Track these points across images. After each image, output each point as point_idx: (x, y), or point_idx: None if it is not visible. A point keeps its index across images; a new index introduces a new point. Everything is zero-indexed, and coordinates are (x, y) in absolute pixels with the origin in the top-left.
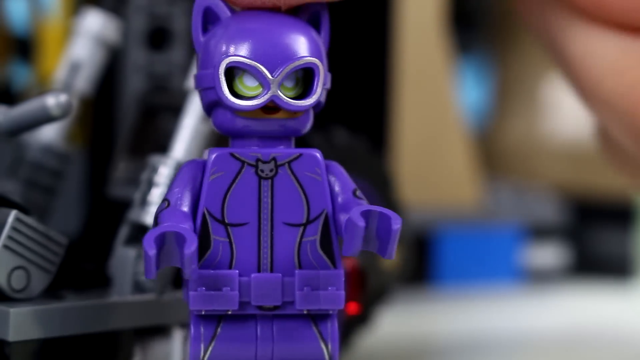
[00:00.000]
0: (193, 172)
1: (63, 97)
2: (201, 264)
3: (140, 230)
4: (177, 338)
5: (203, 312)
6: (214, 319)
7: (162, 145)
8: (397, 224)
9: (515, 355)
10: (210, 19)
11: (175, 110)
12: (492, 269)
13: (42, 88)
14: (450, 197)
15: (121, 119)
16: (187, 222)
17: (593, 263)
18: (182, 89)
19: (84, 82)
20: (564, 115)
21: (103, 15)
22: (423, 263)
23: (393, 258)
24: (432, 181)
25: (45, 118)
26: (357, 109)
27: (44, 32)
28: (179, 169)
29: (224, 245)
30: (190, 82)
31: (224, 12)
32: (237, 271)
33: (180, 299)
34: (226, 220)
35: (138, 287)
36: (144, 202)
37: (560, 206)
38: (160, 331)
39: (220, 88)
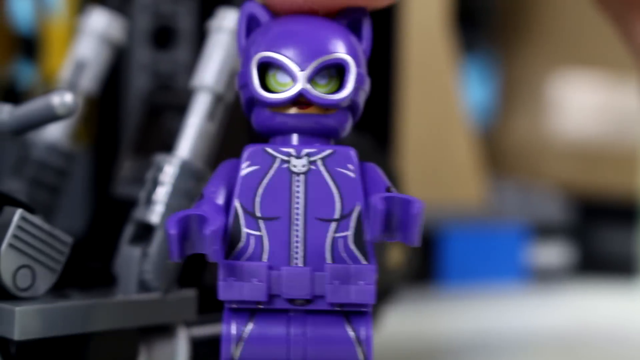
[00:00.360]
0: (229, 170)
1: (68, 96)
2: (232, 256)
3: (145, 229)
4: (182, 337)
5: (234, 305)
6: (246, 314)
7: (167, 144)
8: (417, 208)
9: (520, 353)
10: (252, 25)
11: (180, 109)
12: (496, 267)
13: (47, 87)
14: (455, 195)
15: (126, 118)
16: (216, 211)
17: (598, 262)
18: (187, 87)
19: (89, 81)
20: (568, 114)
21: (108, 14)
22: (428, 262)
23: (418, 244)
24: (437, 180)
25: (51, 117)
26: (363, 108)
27: (49, 31)
28: (217, 167)
29: (256, 239)
30: (197, 81)
31: (265, 16)
32: (266, 263)
33: (185, 298)
34: (258, 214)
35: (143, 286)
36: (149, 201)
37: (565, 205)
38: (165, 330)
39: (252, 82)
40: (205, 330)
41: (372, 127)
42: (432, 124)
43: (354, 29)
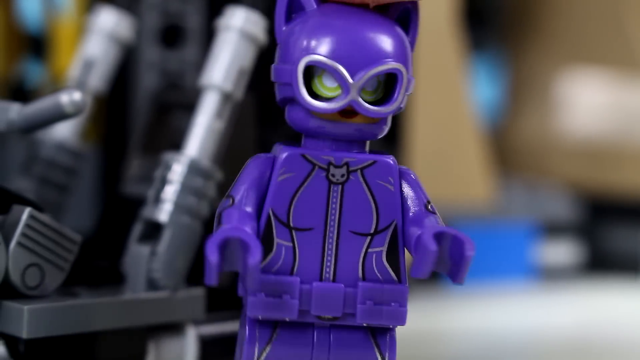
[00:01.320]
0: (261, 169)
1: (77, 95)
2: (262, 267)
3: (153, 228)
4: (191, 335)
5: (260, 318)
6: (270, 322)
7: (176, 143)
8: (470, 250)
9: (528, 353)
10: (294, 8)
11: (189, 107)
12: (505, 266)
13: (56, 85)
14: (464, 194)
15: (135, 117)
16: (250, 224)
17: (606, 260)
18: (196, 86)
19: (97, 79)
20: (577, 112)
21: (116, 12)
22: None
23: (463, 284)
24: (445, 178)
25: (59, 115)
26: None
27: (58, 29)
28: (246, 163)
29: (287, 250)
30: (205, 79)
31: (310, 2)
32: (299, 278)
33: (194, 296)
34: (291, 224)
35: (151, 285)
36: (157, 200)
37: (573, 203)
38: (174, 329)
39: (298, 87)
40: (214, 329)
41: None
42: (440, 122)
43: (402, 21)
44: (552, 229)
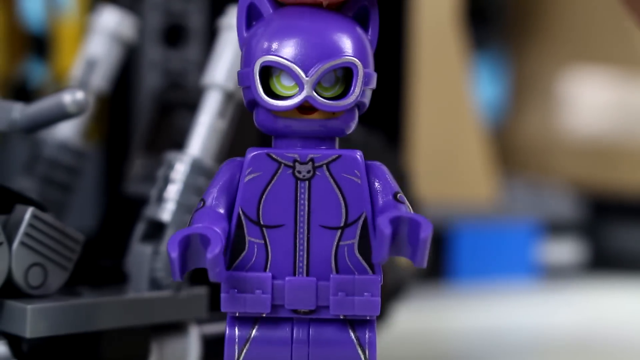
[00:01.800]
0: (231, 172)
1: (79, 94)
2: (235, 266)
3: (156, 227)
4: (194, 335)
5: (237, 314)
6: (250, 320)
7: (178, 142)
8: (426, 231)
9: (531, 351)
10: (254, 15)
11: (191, 107)
12: (508, 265)
13: (58, 85)
14: (466, 193)
15: (137, 116)
16: (220, 223)
17: (609, 259)
18: (198, 85)
19: (100, 79)
20: (579, 111)
21: (119, 12)
22: (439, 259)
23: (424, 266)
24: (448, 177)
25: (62, 115)
26: (373, 106)
27: (60, 29)
28: (219, 168)
29: (259, 247)
30: (207, 79)
31: (267, 8)
32: (270, 274)
33: (197, 296)
34: (262, 222)
35: (154, 284)
36: (160, 199)
37: (576, 202)
38: (177, 328)
39: (255, 88)
40: (216, 328)
41: (383, 124)
42: (442, 121)
43: (360, 19)
44: (555, 228)
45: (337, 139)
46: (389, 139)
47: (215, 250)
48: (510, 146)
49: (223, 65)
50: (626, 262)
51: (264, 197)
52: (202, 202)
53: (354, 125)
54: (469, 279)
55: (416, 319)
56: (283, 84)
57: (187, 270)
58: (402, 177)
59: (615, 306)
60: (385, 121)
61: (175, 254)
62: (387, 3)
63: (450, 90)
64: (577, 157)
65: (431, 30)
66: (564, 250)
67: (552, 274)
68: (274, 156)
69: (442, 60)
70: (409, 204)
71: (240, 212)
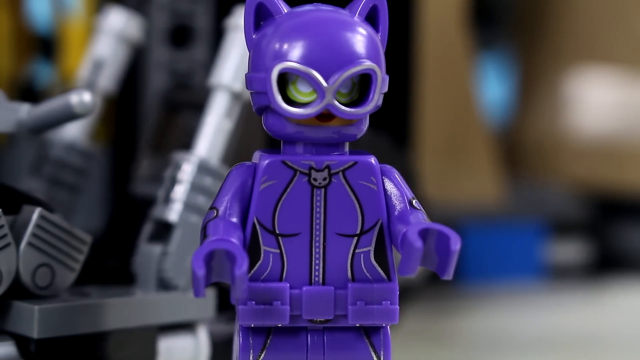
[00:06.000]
0: (243, 178)
1: (86, 95)
2: (251, 276)
3: (164, 228)
4: (202, 335)
5: (252, 325)
6: (264, 328)
7: (185, 143)
8: (456, 245)
9: (537, 351)
10: (262, 15)
11: (198, 107)
12: (514, 265)
13: (65, 86)
14: (473, 193)
15: (144, 117)
16: (236, 234)
17: (616, 259)
18: (205, 86)
19: (107, 80)
20: (586, 110)
21: (126, 13)
22: None
23: (451, 277)
24: (454, 178)
25: (69, 116)
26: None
27: (67, 30)
28: (228, 173)
29: (275, 257)
30: (214, 79)
31: (277, 8)
32: (287, 284)
33: (205, 296)
34: (277, 231)
35: (162, 284)
36: (167, 200)
37: (583, 202)
38: (185, 328)
39: (273, 96)
40: (225, 329)
41: (389, 125)
42: (449, 121)
43: (370, 18)
44: (561, 228)
45: (347, 144)
46: (396, 139)
47: (243, 267)
48: (517, 146)
49: (230, 65)
50: (633, 262)
51: (279, 205)
52: (215, 212)
53: (365, 129)
54: (475, 279)
55: (422, 319)
56: (300, 91)
57: (208, 284)
58: (408, 177)
59: (622, 306)
60: (391, 121)
61: (201, 272)
62: (394, 3)
63: (457, 90)
64: (584, 157)
65: (438, 30)
66: (571, 251)
67: (559, 274)
68: (289, 164)
69: (448, 60)
70: (424, 211)
71: (256, 222)
